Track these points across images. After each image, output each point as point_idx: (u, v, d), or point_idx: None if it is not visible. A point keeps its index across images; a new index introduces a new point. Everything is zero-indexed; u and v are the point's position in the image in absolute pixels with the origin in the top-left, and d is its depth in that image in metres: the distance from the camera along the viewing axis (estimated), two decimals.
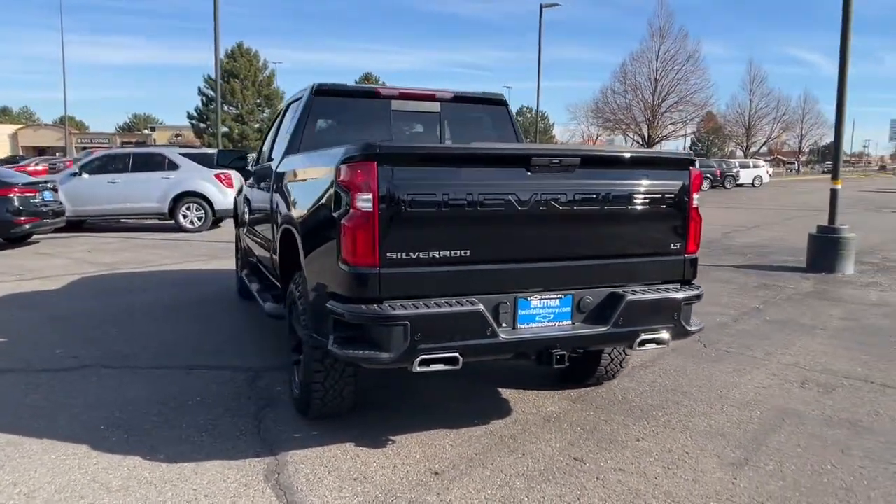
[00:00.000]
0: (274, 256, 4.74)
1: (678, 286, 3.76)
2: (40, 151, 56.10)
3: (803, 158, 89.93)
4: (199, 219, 14.60)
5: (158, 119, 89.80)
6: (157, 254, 11.23)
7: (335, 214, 3.23)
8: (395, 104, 5.13)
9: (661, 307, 3.61)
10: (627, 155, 3.69)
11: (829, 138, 74.98)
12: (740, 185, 41.80)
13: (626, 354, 4.51)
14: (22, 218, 11.47)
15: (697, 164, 3.84)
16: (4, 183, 11.60)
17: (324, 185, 3.46)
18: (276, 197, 4.64)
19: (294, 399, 4.10)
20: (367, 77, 61.21)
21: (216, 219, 14.84)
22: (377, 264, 3.11)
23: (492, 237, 3.31)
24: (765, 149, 75.22)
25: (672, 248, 3.73)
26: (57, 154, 47.87)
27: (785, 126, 70.78)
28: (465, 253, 3.25)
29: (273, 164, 5.07)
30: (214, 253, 11.41)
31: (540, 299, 3.44)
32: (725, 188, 39.48)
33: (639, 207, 3.57)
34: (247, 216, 6.39)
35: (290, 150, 4.81)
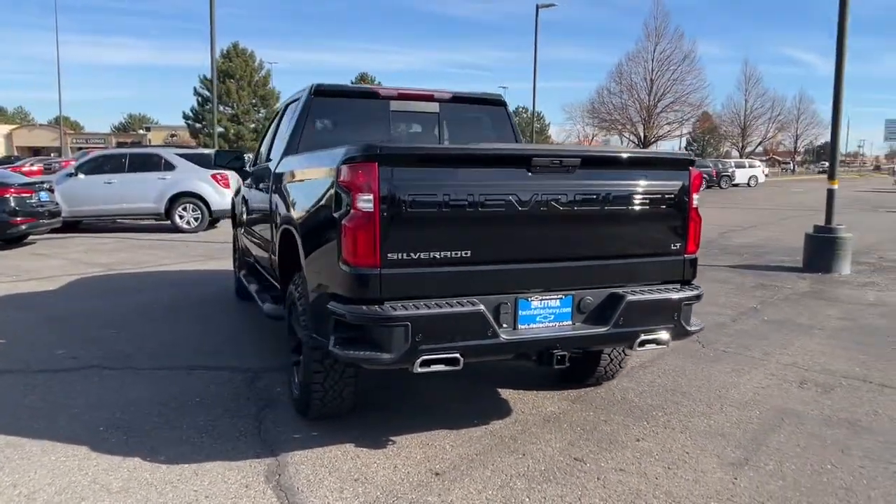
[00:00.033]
0: (273, 257, 4.74)
1: (678, 286, 3.77)
2: (35, 152, 55.87)
3: (798, 158, 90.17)
4: (196, 219, 14.58)
5: (154, 119, 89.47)
6: (153, 254, 11.20)
7: (336, 215, 3.23)
8: (394, 105, 5.13)
9: (662, 307, 3.62)
10: (628, 155, 3.70)
11: (823, 138, 75.46)
12: (736, 185, 41.90)
13: (625, 355, 4.52)
14: (18, 218, 11.44)
15: (697, 165, 3.84)
16: (0, 183, 11.56)
17: (324, 185, 3.46)
18: (275, 198, 4.64)
19: (294, 400, 4.09)
20: (362, 77, 61.12)
21: (212, 219, 14.81)
22: (378, 265, 3.11)
23: (492, 238, 3.32)
24: (760, 149, 75.39)
25: (672, 248, 3.73)
26: (52, 154, 47.76)
27: (780, 126, 70.92)
28: (466, 253, 3.25)
29: (272, 165, 5.06)
30: (211, 253, 11.39)
31: (540, 300, 3.44)
32: (721, 188, 39.55)
33: (639, 208, 3.58)
34: (245, 217, 6.38)
35: (289, 150, 4.80)
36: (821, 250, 9.56)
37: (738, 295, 7.90)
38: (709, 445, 3.72)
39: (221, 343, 5.69)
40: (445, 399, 4.42)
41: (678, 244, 3.74)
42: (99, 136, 70.36)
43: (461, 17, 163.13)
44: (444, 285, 3.24)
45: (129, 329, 6.13)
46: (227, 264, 9.42)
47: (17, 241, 12.07)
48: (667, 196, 3.65)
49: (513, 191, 3.28)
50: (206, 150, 16.65)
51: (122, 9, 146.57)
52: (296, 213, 4.00)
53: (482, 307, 3.21)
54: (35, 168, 30.35)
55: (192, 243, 12.85)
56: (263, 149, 6.11)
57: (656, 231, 3.70)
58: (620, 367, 4.55)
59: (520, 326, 3.41)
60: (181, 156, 15.01)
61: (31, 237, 12.57)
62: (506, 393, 4.51)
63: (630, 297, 3.52)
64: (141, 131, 78.07)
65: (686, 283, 3.81)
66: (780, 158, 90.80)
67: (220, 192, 14.46)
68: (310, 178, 3.86)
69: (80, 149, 48.70)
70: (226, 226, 14.90)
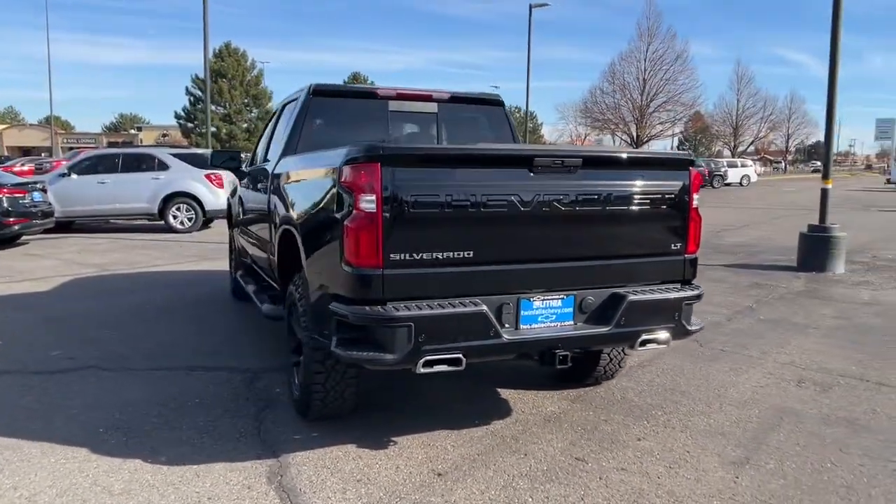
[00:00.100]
0: (272, 257, 4.72)
1: (678, 286, 3.78)
2: (25, 152, 55.56)
3: (790, 158, 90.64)
4: (190, 219, 14.51)
5: (145, 119, 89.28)
6: (147, 254, 11.15)
7: (338, 216, 3.22)
8: (393, 105, 5.13)
9: (663, 307, 3.63)
10: (629, 156, 3.70)
11: (815, 138, 75.95)
12: (728, 185, 42.06)
13: (624, 354, 4.53)
14: (11, 219, 11.35)
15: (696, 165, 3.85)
16: None
17: (325, 186, 3.45)
18: (274, 198, 4.62)
19: (294, 400, 4.08)
20: (355, 77, 60.99)
21: (206, 219, 14.75)
22: (381, 265, 3.11)
23: (494, 238, 3.32)
24: (752, 148, 75.78)
25: (672, 248, 3.74)
26: (43, 154, 47.46)
27: (772, 126, 71.36)
28: (468, 254, 3.25)
29: (270, 165, 5.05)
30: (205, 254, 11.34)
31: (542, 300, 3.45)
32: (714, 187, 39.70)
33: (640, 208, 3.58)
34: (242, 217, 6.36)
35: (288, 150, 4.79)
36: (815, 249, 9.60)
37: (734, 294, 7.93)
38: (709, 444, 3.74)
39: (219, 343, 5.67)
40: (446, 399, 4.42)
41: (678, 244, 3.75)
42: (90, 135, 70.05)
43: (458, 17, 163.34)
44: (446, 286, 3.24)
45: (126, 330, 6.10)
46: (222, 264, 9.38)
47: (9, 241, 11.99)
48: (667, 196, 3.66)
49: (515, 191, 3.28)
50: (200, 150, 16.60)
51: (113, 7, 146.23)
52: (296, 214, 3.99)
53: (485, 307, 3.21)
54: (26, 168, 30.15)
55: (185, 243, 12.80)
56: (260, 149, 6.09)
57: (657, 231, 3.71)
58: (620, 366, 4.57)
59: (522, 326, 3.41)
60: (175, 156, 14.93)
61: (23, 237, 12.49)
62: (506, 393, 4.52)
63: (631, 297, 3.53)
64: (132, 131, 77.81)
65: (686, 282, 3.82)
66: (772, 158, 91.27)
67: (214, 192, 14.41)
68: (310, 179, 3.85)
69: (71, 149, 48.45)
70: (219, 226, 14.85)
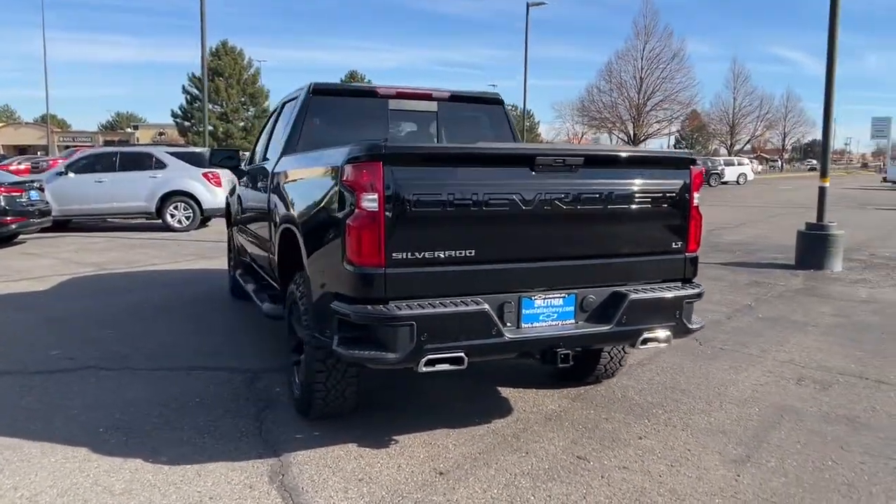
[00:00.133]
0: (272, 256, 4.71)
1: (679, 285, 3.78)
2: (21, 150, 55.39)
3: (786, 156, 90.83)
4: (187, 218, 14.49)
5: (142, 117, 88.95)
6: (145, 253, 11.13)
7: (339, 215, 3.22)
8: (393, 103, 5.12)
9: (663, 306, 3.63)
10: (630, 154, 3.71)
11: (811, 136, 76.21)
12: (725, 183, 42.11)
13: (625, 353, 4.54)
14: (8, 218, 11.32)
15: (698, 164, 3.86)
16: None
17: (327, 184, 3.44)
18: (274, 197, 4.61)
19: (295, 400, 4.08)
20: (352, 75, 60.93)
21: (204, 218, 14.73)
22: (383, 264, 3.10)
23: (496, 237, 3.32)
24: (748, 147, 75.92)
25: (673, 246, 3.75)
26: (39, 153, 47.33)
27: (768, 124, 71.49)
28: (470, 253, 3.25)
29: (270, 164, 5.04)
30: (203, 252, 11.32)
31: (544, 298, 3.45)
32: (710, 186, 39.73)
33: (641, 206, 3.59)
34: (241, 216, 6.35)
35: (288, 149, 4.78)
36: (813, 247, 9.62)
37: (733, 292, 7.95)
38: (710, 443, 3.74)
39: (219, 343, 5.66)
40: (447, 398, 4.41)
41: (679, 243, 3.76)
42: (86, 134, 69.89)
43: (453, 15, 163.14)
44: (448, 284, 3.24)
45: (125, 329, 6.08)
46: (220, 263, 9.37)
47: (7, 240, 11.95)
48: (668, 195, 3.66)
49: (516, 190, 3.28)
50: (198, 149, 16.57)
51: (109, 5, 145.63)
52: (297, 213, 3.98)
53: (487, 306, 3.21)
54: (22, 167, 30.08)
55: (183, 242, 12.78)
56: (259, 148, 6.08)
57: (658, 230, 3.71)
58: (620, 365, 4.57)
59: (523, 325, 3.41)
60: (172, 154, 14.91)
61: (20, 236, 12.46)
62: (506, 391, 4.52)
63: (632, 296, 3.53)
64: (129, 129, 77.59)
65: (687, 281, 3.83)
66: (768, 156, 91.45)
67: (212, 190, 14.39)
68: (312, 178, 3.85)
69: (67, 147, 48.32)
70: (217, 225, 14.82)
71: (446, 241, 3.21)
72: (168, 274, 9.22)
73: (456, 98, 5.32)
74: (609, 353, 4.46)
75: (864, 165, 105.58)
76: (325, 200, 3.46)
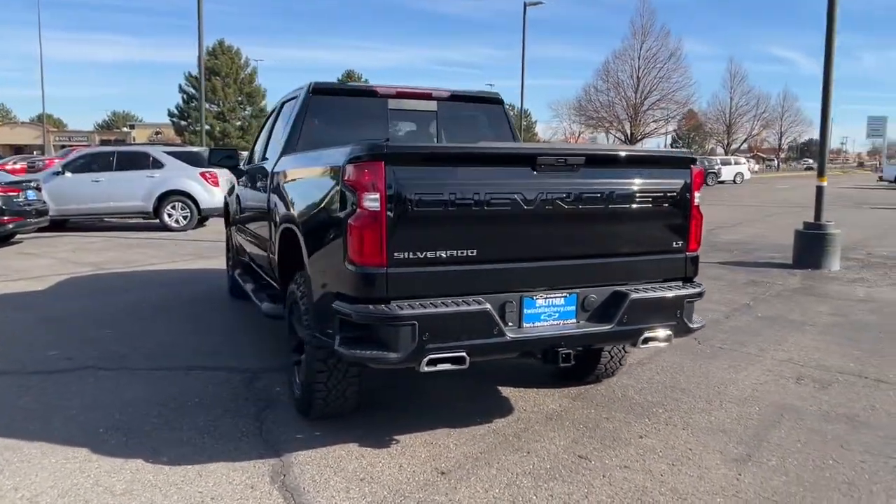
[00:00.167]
0: (272, 256, 4.71)
1: (680, 284, 3.79)
2: (17, 150, 55.14)
3: (782, 155, 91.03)
4: (185, 218, 14.46)
5: (138, 117, 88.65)
6: (142, 253, 11.11)
7: (341, 214, 3.21)
8: (392, 103, 5.12)
9: (664, 305, 3.63)
10: (631, 154, 3.72)
11: (807, 135, 76.36)
12: (722, 182, 42.18)
13: (625, 352, 4.54)
14: (5, 218, 11.29)
15: (699, 163, 3.86)
16: None
17: (328, 184, 3.44)
18: (274, 197, 4.61)
19: (295, 400, 4.07)
20: (349, 75, 60.87)
21: (202, 217, 14.71)
22: (385, 264, 3.10)
23: (498, 236, 3.31)
24: (745, 146, 76.07)
25: (674, 246, 3.75)
26: (35, 153, 47.16)
27: (765, 123, 71.83)
28: (472, 252, 3.25)
29: (269, 164, 5.03)
30: (201, 252, 11.31)
31: (545, 298, 3.45)
32: (707, 185, 39.77)
33: (642, 206, 3.59)
34: (240, 215, 6.33)
35: (288, 149, 4.77)
36: (810, 247, 9.64)
37: (731, 291, 7.96)
38: (711, 442, 3.75)
39: (217, 343, 5.65)
40: (447, 397, 4.41)
41: (680, 242, 3.76)
42: (82, 133, 69.64)
43: (452, 15, 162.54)
44: (449, 284, 3.23)
45: (123, 329, 6.07)
46: (218, 263, 9.36)
47: (4, 240, 11.92)
48: (669, 194, 3.67)
49: (518, 189, 3.28)
50: (195, 148, 16.54)
51: (105, 5, 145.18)
52: (298, 213, 3.98)
53: (488, 306, 3.21)
54: (18, 166, 29.96)
55: (181, 242, 12.75)
56: (258, 147, 6.07)
57: (659, 229, 3.72)
58: (620, 364, 4.57)
59: (525, 325, 3.41)
60: (170, 154, 14.88)
61: (17, 236, 12.42)
62: (506, 391, 4.52)
63: (633, 295, 3.53)
64: (125, 129, 77.38)
65: (688, 280, 3.84)
66: (764, 155, 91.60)
67: (210, 190, 14.37)
68: (312, 177, 3.84)
69: (63, 147, 48.19)
70: (214, 224, 14.81)
71: (448, 240, 3.20)
72: (166, 274, 9.20)
73: (455, 98, 5.31)
74: (609, 352, 4.46)
75: (860, 165, 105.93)
76: (327, 200, 3.45)
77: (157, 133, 63.35)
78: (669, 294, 3.65)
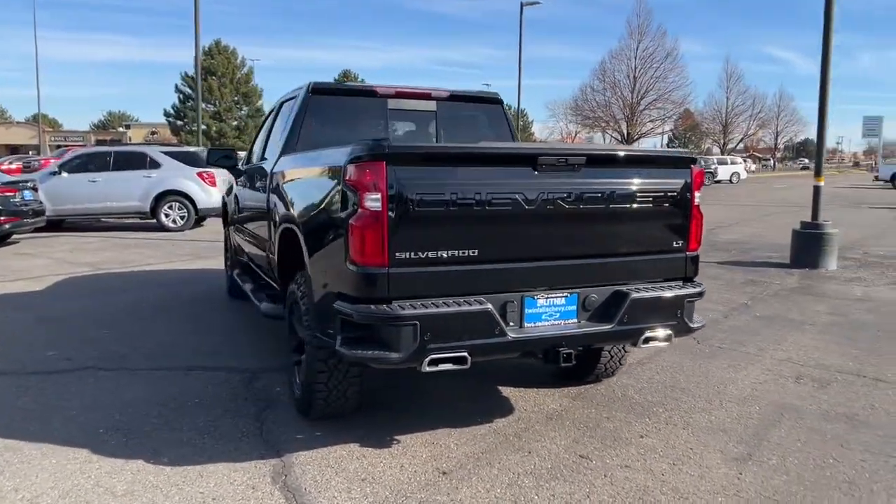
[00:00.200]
0: (271, 256, 4.70)
1: (680, 283, 3.79)
2: (12, 150, 54.99)
3: (778, 155, 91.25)
4: (182, 218, 14.43)
5: (134, 117, 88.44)
6: (139, 253, 11.08)
7: (342, 214, 3.21)
8: (392, 103, 5.11)
9: (665, 305, 3.64)
10: (632, 154, 3.72)
11: (803, 135, 76.54)
12: (718, 182, 42.25)
13: (625, 351, 4.54)
14: (2, 218, 11.26)
15: (699, 163, 3.87)
16: None
17: (329, 184, 3.44)
18: (274, 197, 4.60)
19: (295, 400, 4.06)
20: (346, 74, 60.82)
21: (199, 218, 14.68)
22: (386, 264, 3.10)
23: (499, 236, 3.31)
24: (741, 146, 76.27)
25: (674, 245, 3.76)
26: (30, 153, 47.05)
27: (761, 123, 72.01)
28: (473, 252, 3.25)
29: (268, 164, 5.02)
30: (198, 252, 11.29)
31: (546, 298, 3.45)
32: (704, 185, 39.81)
33: (643, 206, 3.59)
34: (239, 215, 6.32)
35: (287, 148, 4.76)
36: (808, 246, 9.66)
37: (729, 291, 7.97)
38: (711, 441, 3.75)
39: (216, 343, 5.64)
40: (448, 397, 4.41)
41: (680, 242, 3.77)
42: (78, 133, 69.47)
43: (449, 15, 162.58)
44: (451, 284, 3.23)
45: (122, 329, 6.06)
46: (216, 263, 9.35)
47: (0, 240, 11.89)
48: (670, 194, 3.67)
49: (519, 189, 3.28)
50: (192, 148, 16.50)
51: (101, 4, 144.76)
52: (298, 213, 3.97)
53: (490, 306, 3.21)
54: (14, 166, 29.93)
55: (178, 242, 12.73)
56: (257, 147, 6.06)
57: (659, 229, 3.72)
58: (620, 364, 4.58)
59: (526, 325, 3.41)
60: (167, 154, 14.85)
61: (14, 236, 12.39)
62: (507, 391, 4.52)
63: (634, 295, 3.54)
64: (121, 129, 77.19)
65: (688, 280, 3.84)
66: (760, 155, 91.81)
67: (207, 190, 14.34)
68: (313, 177, 3.83)
69: (59, 147, 48.10)
70: (211, 224, 14.80)
71: (449, 240, 3.20)
72: (164, 274, 9.18)
73: (455, 98, 5.31)
74: (609, 352, 4.47)
75: (856, 164, 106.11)
76: (328, 200, 3.45)
77: (153, 133, 63.22)
78: (670, 294, 3.65)
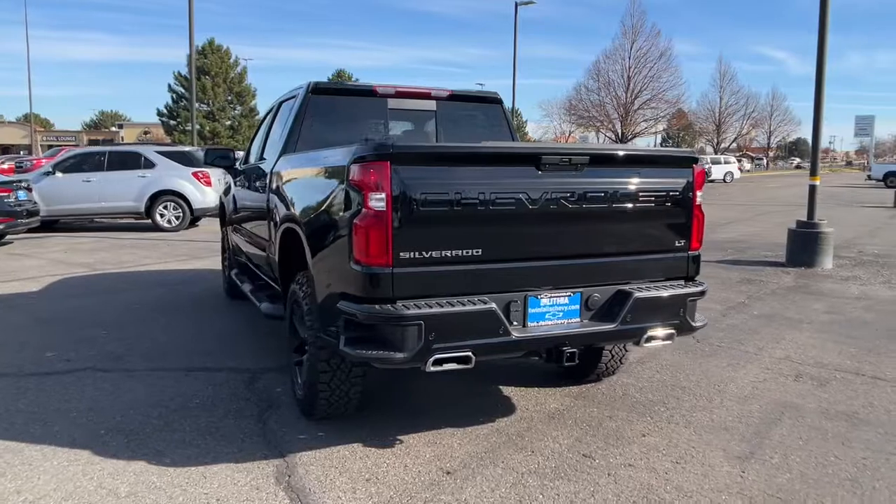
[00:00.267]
0: (272, 256, 4.69)
1: (682, 283, 3.80)
2: (4, 150, 54.70)
3: (771, 154, 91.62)
4: (177, 218, 14.38)
5: (126, 116, 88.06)
6: (134, 253, 11.04)
7: (346, 214, 3.20)
8: (392, 102, 5.11)
9: (668, 304, 3.64)
10: (634, 153, 3.73)
11: (796, 135, 76.85)
12: (712, 181, 42.34)
13: (626, 351, 4.55)
14: None
15: (701, 162, 3.88)
16: None
17: (332, 184, 3.43)
18: (274, 197, 4.58)
19: (297, 400, 4.06)
20: (340, 74, 60.69)
21: (194, 218, 14.63)
22: (390, 264, 3.09)
23: (502, 236, 3.31)
24: (734, 145, 76.49)
25: (676, 245, 3.77)
26: (22, 152, 46.79)
27: (754, 123, 72.24)
28: (477, 252, 3.25)
29: (267, 164, 5.00)
30: (194, 252, 11.25)
31: (549, 297, 3.45)
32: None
33: (645, 205, 3.60)
34: (238, 215, 6.30)
35: (287, 148, 4.75)
36: (803, 245, 9.70)
37: (726, 290, 8.00)
38: (713, 440, 3.76)
39: (215, 343, 5.62)
40: (450, 397, 4.41)
41: (682, 241, 3.78)
42: (70, 133, 69.15)
43: (441, 14, 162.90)
44: (455, 284, 3.23)
45: (120, 330, 6.03)
46: (212, 263, 9.34)
47: None
48: (672, 193, 3.68)
49: (522, 189, 3.28)
50: (187, 148, 16.44)
51: (93, 3, 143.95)
52: (300, 213, 3.96)
53: (494, 305, 3.21)
54: (6, 166, 29.72)
55: (173, 242, 12.68)
56: (255, 147, 6.04)
57: (661, 228, 3.73)
58: (621, 363, 4.59)
59: (529, 324, 3.42)
60: (161, 153, 14.79)
61: (8, 237, 12.31)
62: (508, 390, 4.52)
63: (637, 294, 3.54)
64: (113, 128, 76.88)
65: (690, 279, 3.85)
66: (753, 154, 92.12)
67: (202, 190, 14.31)
68: (315, 177, 3.82)
69: (51, 147, 47.84)
70: (207, 224, 14.77)
71: (453, 240, 3.20)
72: (160, 274, 9.15)
73: (455, 97, 5.31)
74: (610, 351, 4.47)
75: (849, 163, 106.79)
76: (331, 200, 3.44)
77: (145, 132, 63.01)
78: (672, 293, 3.66)
